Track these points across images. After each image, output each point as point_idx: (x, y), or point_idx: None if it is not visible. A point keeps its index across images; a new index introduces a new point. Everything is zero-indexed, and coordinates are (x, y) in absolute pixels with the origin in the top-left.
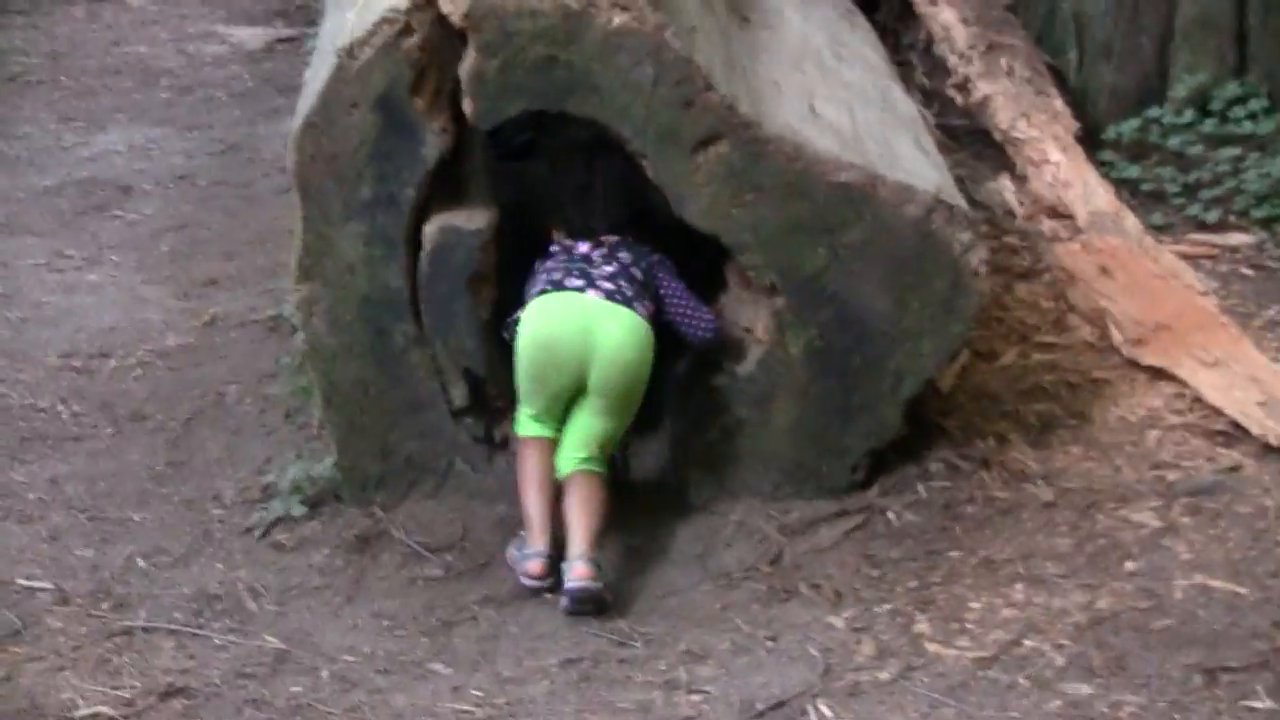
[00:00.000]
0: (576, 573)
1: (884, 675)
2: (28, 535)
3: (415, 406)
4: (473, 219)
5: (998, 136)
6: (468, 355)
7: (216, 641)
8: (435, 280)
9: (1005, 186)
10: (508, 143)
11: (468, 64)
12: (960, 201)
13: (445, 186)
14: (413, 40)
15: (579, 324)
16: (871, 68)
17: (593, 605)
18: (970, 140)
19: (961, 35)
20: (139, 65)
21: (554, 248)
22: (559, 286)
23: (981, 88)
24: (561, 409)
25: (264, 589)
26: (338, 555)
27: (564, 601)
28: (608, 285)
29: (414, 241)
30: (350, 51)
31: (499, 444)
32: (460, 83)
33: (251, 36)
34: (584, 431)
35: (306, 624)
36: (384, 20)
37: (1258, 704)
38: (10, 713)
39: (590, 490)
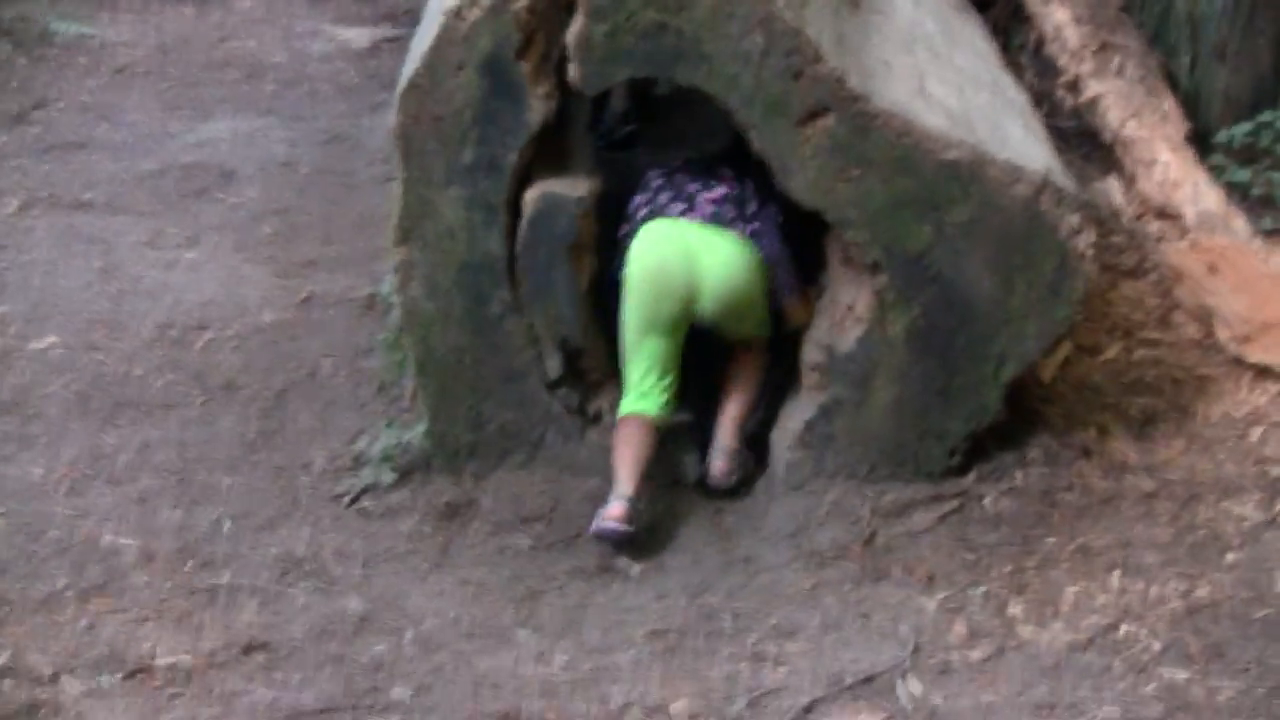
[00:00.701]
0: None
1: (975, 655)
2: (116, 496)
3: (510, 376)
4: (574, 186)
5: (1107, 136)
6: (564, 324)
7: (300, 602)
8: (534, 247)
9: (1113, 187)
10: (610, 134)
11: (575, 28)
12: (1069, 184)
13: (548, 153)
14: (521, 3)
15: (683, 247)
16: (982, 55)
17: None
18: (1079, 143)
19: (1073, 34)
20: (246, 59)
21: (654, 180)
22: (661, 213)
23: (1092, 86)
24: (670, 355)
25: (350, 554)
26: (426, 523)
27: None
28: (710, 209)
29: (514, 207)
30: (458, 12)
31: (592, 418)
32: (567, 48)
33: (358, 36)
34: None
35: (391, 588)
36: None
37: None
38: (90, 661)
39: (744, 361)
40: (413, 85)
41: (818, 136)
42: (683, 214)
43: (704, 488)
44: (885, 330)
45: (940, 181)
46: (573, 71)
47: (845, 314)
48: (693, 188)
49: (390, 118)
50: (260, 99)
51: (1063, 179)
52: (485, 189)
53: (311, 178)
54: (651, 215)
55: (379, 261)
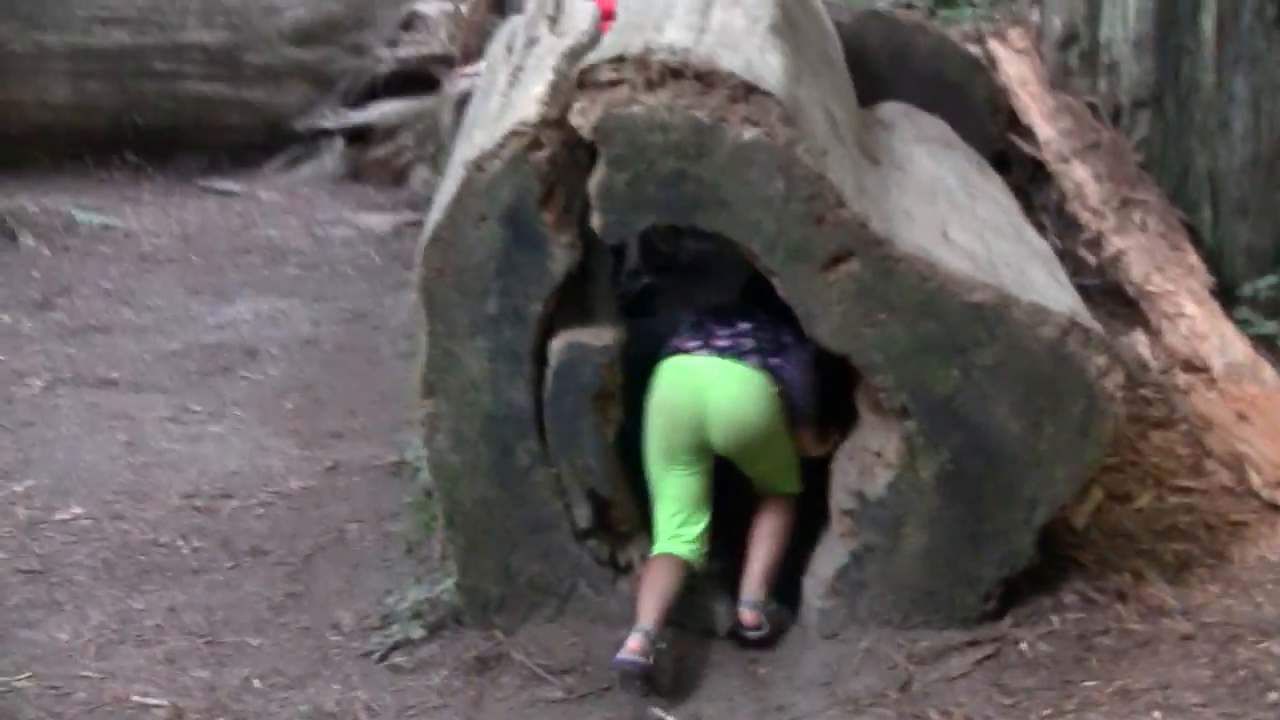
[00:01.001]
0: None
1: None
2: (144, 658)
3: (538, 527)
4: (600, 336)
5: (1131, 291)
6: (592, 475)
7: None
8: (560, 397)
9: (1139, 340)
10: (627, 294)
11: (597, 177)
12: (1095, 325)
13: (572, 303)
14: (542, 154)
15: (692, 379)
16: (1004, 208)
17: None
18: (1103, 300)
19: (1094, 191)
20: (268, 246)
21: (684, 323)
22: (678, 350)
23: (1115, 243)
24: (696, 495)
25: (381, 708)
26: (457, 676)
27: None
28: (723, 343)
29: (539, 358)
30: (479, 165)
31: (623, 568)
32: (588, 197)
33: (380, 221)
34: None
35: None
36: (513, 133)
37: None
38: None
39: (771, 513)
40: (435, 238)
41: (842, 281)
42: (699, 348)
43: (736, 638)
44: (915, 475)
45: (966, 324)
46: (595, 220)
47: (875, 460)
48: (715, 325)
49: (414, 271)
50: (282, 282)
51: (1088, 320)
52: (510, 339)
53: (335, 355)
54: (672, 352)
55: (404, 432)
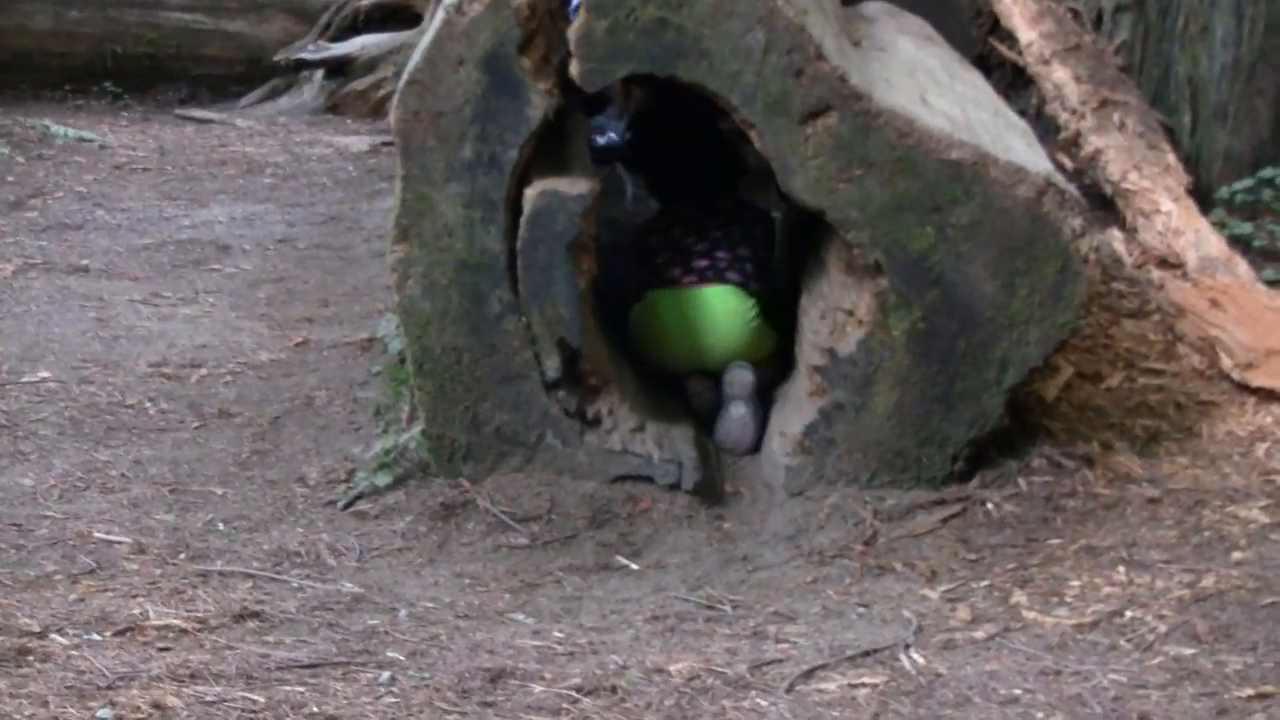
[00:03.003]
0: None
1: (979, 634)
2: (108, 502)
3: (508, 377)
4: (575, 185)
5: (1108, 189)
6: (563, 325)
7: (294, 584)
8: (534, 245)
9: (1114, 237)
10: (592, 145)
11: (576, 23)
12: (1071, 188)
13: (548, 152)
14: None
15: (679, 319)
16: (981, 89)
17: None
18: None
19: (1074, 92)
20: (244, 160)
21: (654, 237)
22: (660, 281)
23: (1093, 141)
24: None
25: (345, 549)
26: (421, 522)
27: None
28: (702, 263)
29: (514, 205)
30: (459, 7)
31: (591, 420)
32: (569, 43)
33: (357, 142)
34: None
35: (386, 578)
36: None
37: None
38: (80, 622)
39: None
40: (412, 80)
41: (819, 135)
42: (683, 276)
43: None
44: (886, 334)
45: (943, 182)
46: (574, 67)
47: (846, 317)
48: (690, 240)
49: (391, 113)
50: (258, 190)
51: (1064, 183)
52: (485, 186)
53: (308, 252)
54: (657, 283)
55: (375, 319)
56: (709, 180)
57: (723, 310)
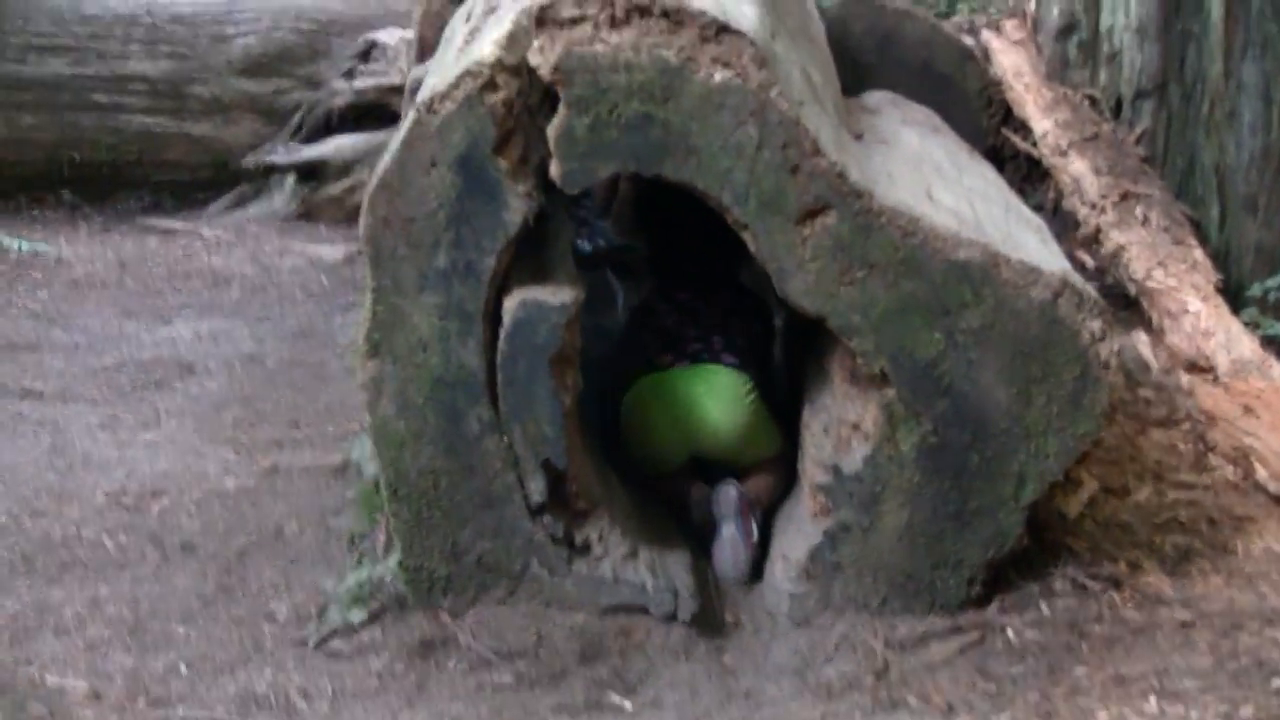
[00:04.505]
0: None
1: None
2: (62, 645)
3: (489, 501)
4: (557, 293)
5: (1131, 289)
6: (547, 444)
7: None
8: (514, 359)
9: (1140, 341)
10: (576, 250)
11: (556, 121)
12: (1089, 288)
13: (528, 257)
14: (497, 96)
15: (671, 402)
16: (993, 182)
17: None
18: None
19: (1093, 185)
20: (210, 273)
21: (641, 319)
22: (651, 366)
23: (1114, 237)
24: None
25: (316, 693)
26: (399, 661)
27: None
28: (695, 346)
29: (493, 317)
30: (429, 106)
31: (580, 547)
32: (548, 143)
33: (331, 251)
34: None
35: None
36: (466, 74)
37: None
38: None
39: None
40: (382, 184)
41: (817, 235)
42: (675, 361)
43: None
44: (894, 448)
45: (950, 284)
46: (554, 168)
47: (851, 431)
48: (681, 327)
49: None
50: (225, 304)
51: (1082, 284)
52: (461, 296)
53: (278, 370)
54: (648, 369)
55: (350, 442)
56: (706, 265)
57: (718, 384)
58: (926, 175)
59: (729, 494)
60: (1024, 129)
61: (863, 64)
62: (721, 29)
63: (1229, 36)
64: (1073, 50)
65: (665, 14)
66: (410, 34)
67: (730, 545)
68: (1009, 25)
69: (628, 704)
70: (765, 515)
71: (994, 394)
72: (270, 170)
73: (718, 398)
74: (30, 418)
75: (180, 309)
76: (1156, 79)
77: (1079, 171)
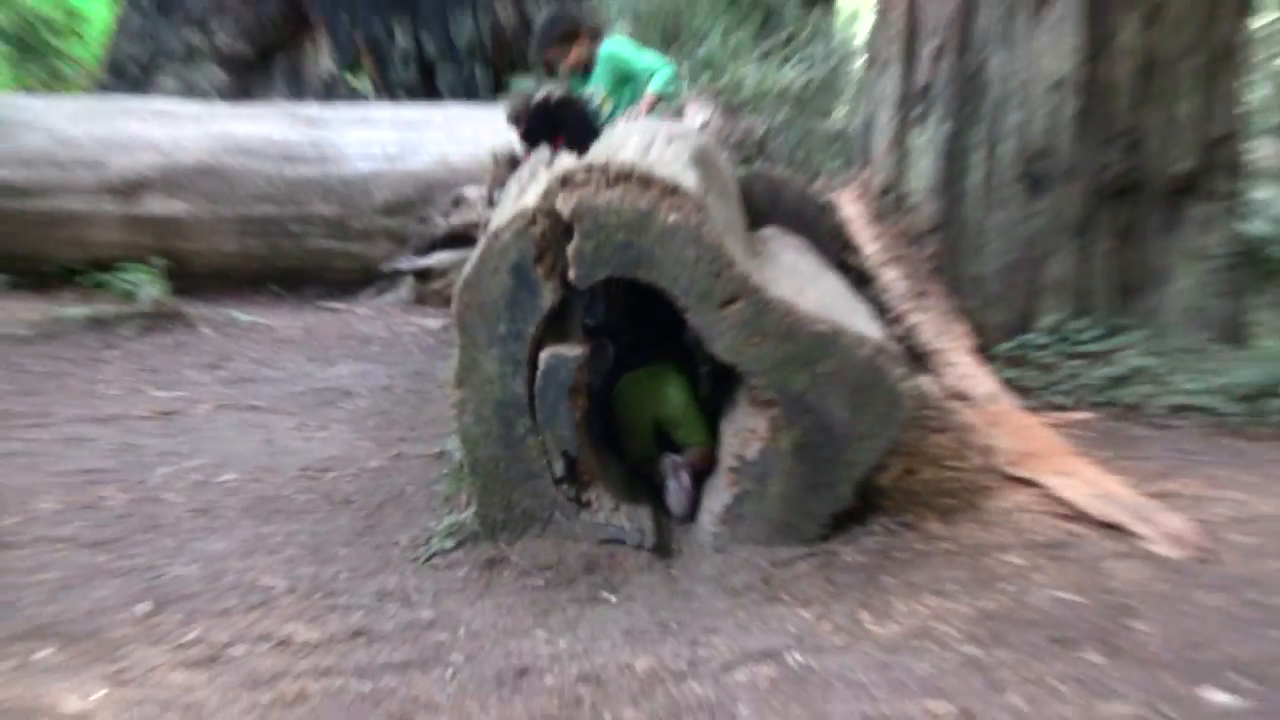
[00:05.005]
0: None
1: (838, 641)
2: (270, 560)
3: (529, 476)
4: (573, 349)
5: (922, 349)
6: (566, 441)
7: (391, 612)
8: (546, 390)
9: (925, 380)
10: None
11: (573, 244)
12: (896, 348)
13: (554, 327)
14: (537, 228)
15: (642, 385)
16: (838, 284)
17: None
18: (902, 356)
19: (899, 288)
20: (360, 336)
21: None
22: (628, 369)
23: (912, 319)
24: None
25: (424, 589)
26: (474, 571)
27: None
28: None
29: (532, 363)
30: (495, 235)
31: (585, 504)
32: (567, 258)
33: (434, 322)
34: None
35: (451, 608)
36: (518, 214)
37: (1094, 658)
38: (252, 638)
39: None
40: (466, 283)
41: (732, 316)
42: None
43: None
44: (777, 445)
45: (812, 345)
46: (571, 272)
47: (750, 434)
48: (642, 345)
49: (451, 306)
50: (369, 354)
51: (892, 346)
52: (513, 351)
53: (402, 395)
54: (625, 370)
55: (445, 440)
56: (662, 334)
57: (669, 374)
58: (799, 280)
59: (675, 460)
60: (858, 252)
61: (759, 210)
62: (674, 189)
63: (984, 197)
64: (888, 203)
65: (640, 180)
66: (484, 190)
67: (675, 493)
68: (850, 188)
69: (613, 598)
70: (697, 483)
71: (838, 412)
72: (398, 273)
73: (669, 381)
74: (252, 422)
75: (342, 357)
76: (938, 221)
77: (890, 279)
